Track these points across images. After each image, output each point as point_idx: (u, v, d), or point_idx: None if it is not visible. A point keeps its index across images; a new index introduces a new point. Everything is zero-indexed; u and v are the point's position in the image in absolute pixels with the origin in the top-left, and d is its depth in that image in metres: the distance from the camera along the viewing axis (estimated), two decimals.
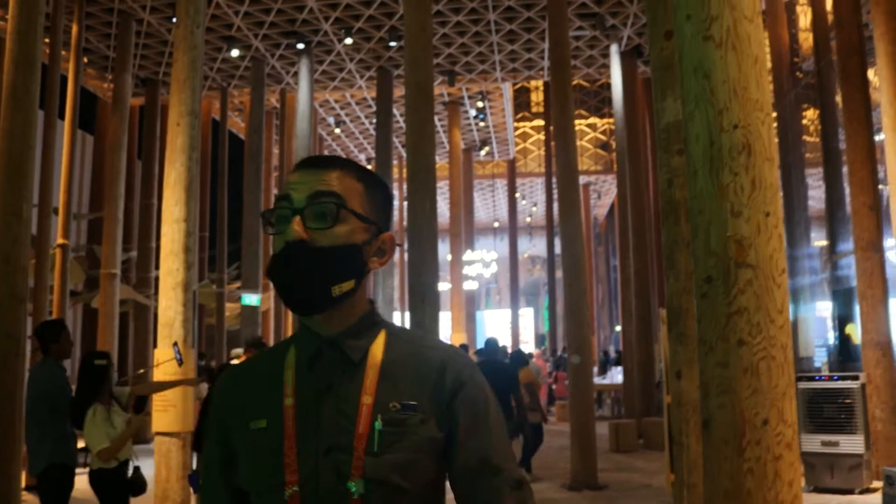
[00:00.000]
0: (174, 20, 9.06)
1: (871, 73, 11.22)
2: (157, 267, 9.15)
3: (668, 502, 7.64)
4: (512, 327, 27.41)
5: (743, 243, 2.77)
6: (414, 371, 1.41)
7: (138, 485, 5.60)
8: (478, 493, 1.41)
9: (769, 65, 13.59)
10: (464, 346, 12.83)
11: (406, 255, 12.58)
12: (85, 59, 15.60)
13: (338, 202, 1.38)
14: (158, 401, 7.02)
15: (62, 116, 12.70)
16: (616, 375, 19.72)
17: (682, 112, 2.97)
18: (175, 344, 6.94)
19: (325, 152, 24.00)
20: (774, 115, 13.41)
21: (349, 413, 1.36)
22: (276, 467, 1.35)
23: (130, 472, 5.51)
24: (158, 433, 7.10)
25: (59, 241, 12.33)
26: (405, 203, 14.88)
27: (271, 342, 16.78)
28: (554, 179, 17.34)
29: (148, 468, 5.96)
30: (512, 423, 11.45)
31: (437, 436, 1.38)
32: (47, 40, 12.32)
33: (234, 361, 10.46)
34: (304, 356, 1.42)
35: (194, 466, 7.70)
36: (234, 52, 15.35)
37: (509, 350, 15.33)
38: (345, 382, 1.39)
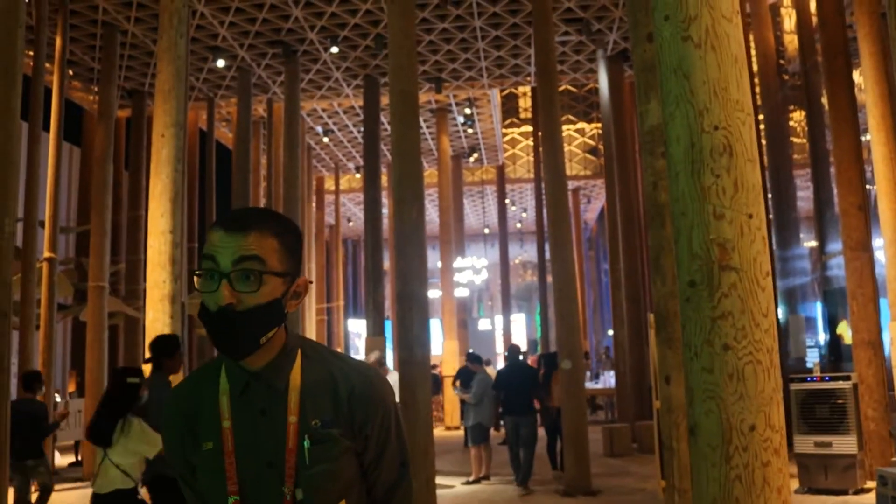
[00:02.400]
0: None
1: (856, 75, 11.24)
2: (146, 279, 9.06)
3: None
4: (504, 333, 27.35)
5: (726, 246, 2.73)
6: (327, 389, 1.63)
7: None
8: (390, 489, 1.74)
9: (755, 67, 13.61)
10: (476, 358, 12.23)
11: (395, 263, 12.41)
12: (70, 72, 15.53)
13: (260, 268, 1.55)
14: None
15: (47, 129, 12.61)
16: (609, 380, 19.70)
17: (663, 113, 2.93)
18: None
19: (314, 161, 23.94)
20: (761, 117, 13.42)
21: (281, 432, 1.59)
22: (222, 481, 1.60)
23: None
24: None
25: (46, 254, 12.24)
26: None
27: None
28: (543, 185, 17.32)
29: None
30: (547, 421, 11.69)
31: (352, 444, 1.64)
32: (31, 53, 12.26)
33: None
34: (235, 386, 1.63)
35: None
36: (220, 63, 15.31)
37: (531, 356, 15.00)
38: (274, 406, 1.61)
